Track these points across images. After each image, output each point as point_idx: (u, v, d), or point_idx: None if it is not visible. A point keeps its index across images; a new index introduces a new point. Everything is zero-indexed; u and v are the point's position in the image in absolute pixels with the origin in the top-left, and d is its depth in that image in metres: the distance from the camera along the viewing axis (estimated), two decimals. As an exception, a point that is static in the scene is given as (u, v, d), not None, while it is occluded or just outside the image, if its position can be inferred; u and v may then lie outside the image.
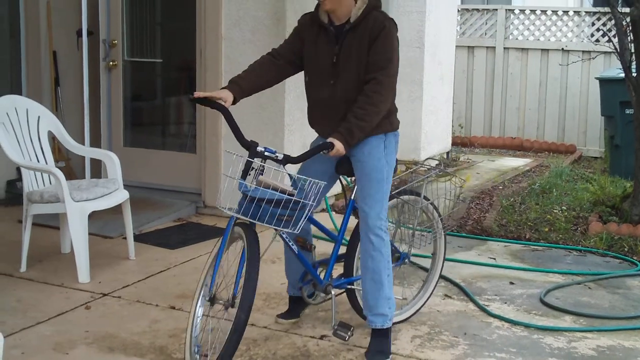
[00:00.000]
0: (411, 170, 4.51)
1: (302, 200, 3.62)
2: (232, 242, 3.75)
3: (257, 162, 3.59)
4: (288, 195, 3.59)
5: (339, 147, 3.67)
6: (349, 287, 4.18)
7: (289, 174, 3.75)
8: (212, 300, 3.63)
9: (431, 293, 4.62)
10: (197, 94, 3.79)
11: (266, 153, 3.61)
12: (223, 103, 3.76)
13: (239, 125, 3.73)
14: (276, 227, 3.63)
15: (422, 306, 4.55)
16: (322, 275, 4.11)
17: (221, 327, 3.64)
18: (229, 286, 3.62)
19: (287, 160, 3.64)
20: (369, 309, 3.94)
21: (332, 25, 3.89)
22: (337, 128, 3.74)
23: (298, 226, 3.65)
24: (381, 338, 3.93)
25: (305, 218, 3.71)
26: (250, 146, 3.62)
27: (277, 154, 3.62)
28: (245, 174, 3.58)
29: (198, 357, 3.65)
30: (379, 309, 3.91)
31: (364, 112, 3.73)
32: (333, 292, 4.04)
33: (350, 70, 3.83)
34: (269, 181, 3.57)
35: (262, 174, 3.60)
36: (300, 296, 4.22)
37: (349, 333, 3.87)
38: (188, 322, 3.68)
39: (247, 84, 3.93)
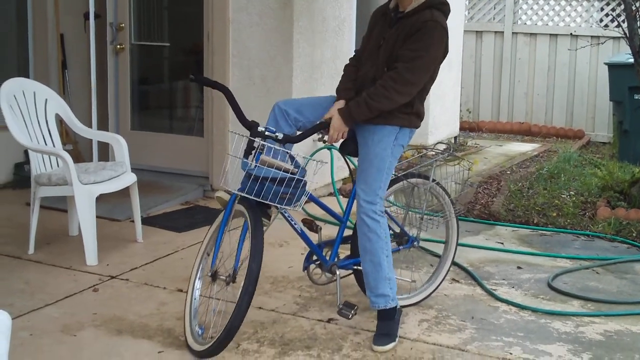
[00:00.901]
0: (421, 154, 4.49)
1: (303, 179, 3.73)
2: (233, 220, 3.85)
3: (258, 141, 3.67)
4: (290, 173, 3.66)
5: (334, 124, 3.80)
6: (356, 267, 4.20)
7: (289, 153, 3.79)
8: (214, 276, 3.74)
9: (442, 279, 4.60)
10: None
11: (267, 132, 3.70)
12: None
13: (246, 109, 3.78)
14: (279, 205, 3.73)
15: (432, 292, 4.54)
16: (327, 256, 4.13)
17: (225, 309, 3.71)
18: (230, 263, 3.72)
19: (287, 139, 3.74)
20: (370, 290, 3.95)
21: (395, 11, 3.95)
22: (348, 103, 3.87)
23: (299, 203, 3.76)
24: (387, 321, 3.93)
25: (306, 196, 3.81)
26: (251, 126, 3.72)
27: (277, 134, 3.71)
28: (248, 153, 3.68)
29: (202, 339, 3.69)
30: (380, 289, 3.91)
31: (375, 91, 3.78)
32: (338, 273, 4.07)
33: (385, 55, 3.87)
34: (272, 160, 3.63)
35: (262, 153, 3.67)
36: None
37: (352, 312, 3.90)
38: (186, 303, 3.81)
39: (349, 83, 4.06)
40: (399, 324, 3.98)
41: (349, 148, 4.03)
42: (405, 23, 3.83)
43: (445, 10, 3.91)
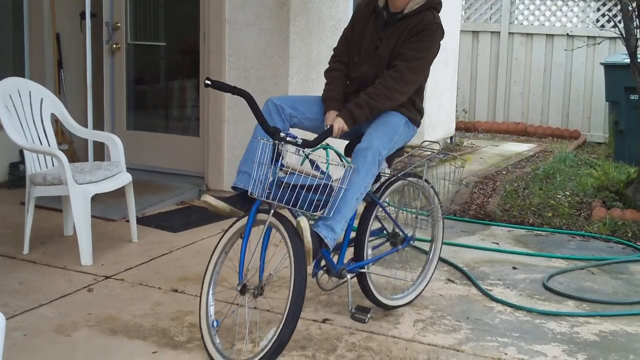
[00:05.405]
0: (409, 154, 4.44)
1: (339, 185, 3.63)
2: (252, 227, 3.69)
3: (281, 146, 3.57)
4: (318, 179, 3.59)
5: (336, 126, 3.80)
6: (361, 270, 4.15)
7: (310, 159, 3.80)
8: (243, 289, 3.59)
9: (431, 277, 4.62)
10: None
11: (288, 138, 3.59)
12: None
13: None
14: (313, 213, 3.61)
15: (422, 290, 4.54)
16: (335, 260, 4.06)
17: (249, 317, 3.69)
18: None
19: (305, 144, 3.61)
20: (325, 218, 3.72)
21: (386, 11, 4.01)
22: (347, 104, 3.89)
23: (331, 209, 3.65)
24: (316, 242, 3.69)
25: (337, 201, 3.68)
26: (275, 132, 3.60)
27: (297, 139, 3.60)
28: (274, 160, 3.57)
29: (221, 347, 3.63)
30: (334, 221, 3.71)
31: (375, 91, 3.85)
32: (348, 276, 3.98)
33: (385, 56, 3.94)
34: (298, 166, 3.57)
35: (284, 158, 3.59)
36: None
37: (367, 315, 3.80)
38: (200, 314, 3.67)
39: (340, 94, 4.07)
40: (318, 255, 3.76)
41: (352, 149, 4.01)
42: (407, 23, 3.92)
43: (440, 9, 4.05)
